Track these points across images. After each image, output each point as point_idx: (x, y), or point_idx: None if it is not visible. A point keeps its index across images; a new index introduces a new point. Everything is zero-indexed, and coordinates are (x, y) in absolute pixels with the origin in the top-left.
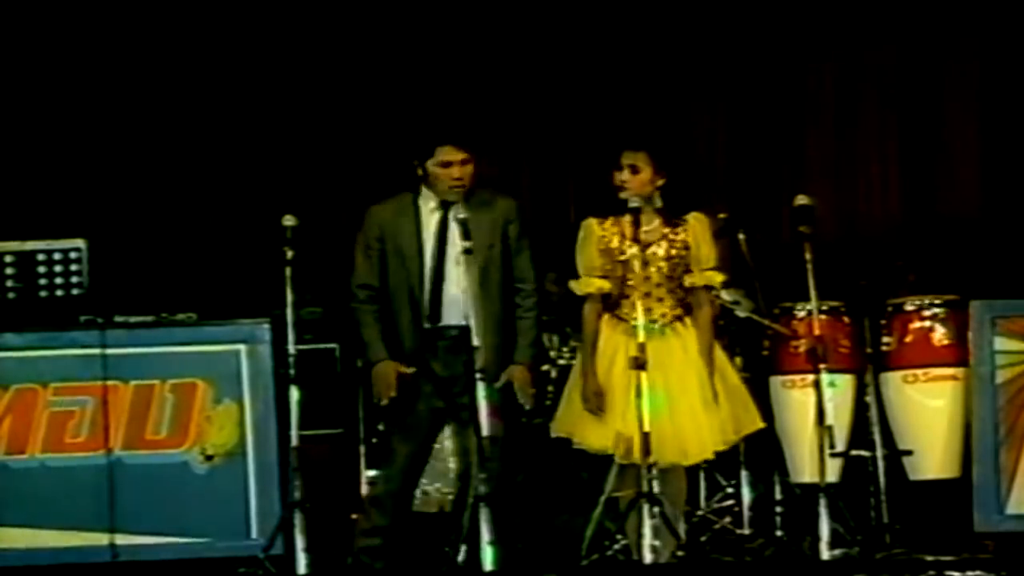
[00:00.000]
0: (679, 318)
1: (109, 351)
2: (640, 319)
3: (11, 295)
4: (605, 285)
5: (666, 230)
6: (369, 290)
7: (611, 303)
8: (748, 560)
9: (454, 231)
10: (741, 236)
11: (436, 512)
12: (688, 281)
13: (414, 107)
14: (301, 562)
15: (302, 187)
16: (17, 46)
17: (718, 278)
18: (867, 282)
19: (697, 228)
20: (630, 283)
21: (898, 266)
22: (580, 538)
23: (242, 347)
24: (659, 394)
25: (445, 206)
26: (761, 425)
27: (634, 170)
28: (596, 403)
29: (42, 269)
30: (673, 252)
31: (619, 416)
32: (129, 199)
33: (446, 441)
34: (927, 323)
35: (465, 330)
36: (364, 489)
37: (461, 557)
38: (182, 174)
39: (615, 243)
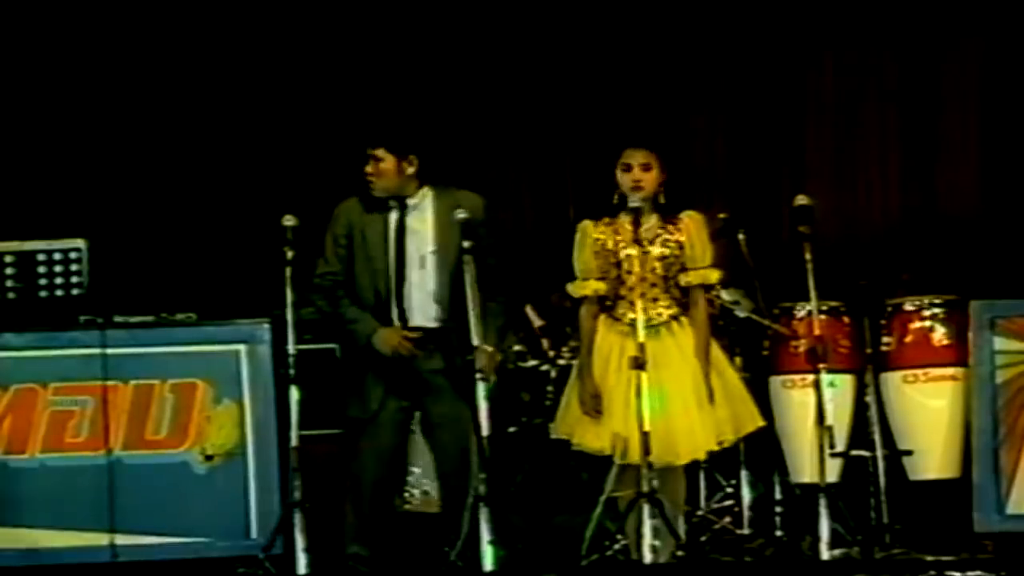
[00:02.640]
0: (675, 317)
1: (109, 351)
2: (640, 319)
3: (11, 295)
4: (601, 287)
5: (661, 229)
6: (335, 277)
7: (607, 304)
8: (748, 560)
9: (414, 232)
10: (741, 236)
11: (436, 512)
12: (684, 280)
13: (414, 107)
14: (301, 562)
15: (302, 187)
16: (17, 46)
17: (714, 276)
18: (867, 282)
19: (691, 227)
20: (627, 283)
21: (904, 280)
22: (580, 538)
23: (242, 347)
24: (654, 394)
25: (402, 206)
26: (761, 423)
27: (646, 168)
28: (593, 405)
29: (42, 269)
30: (667, 251)
31: (616, 417)
32: (129, 199)
33: None
34: (927, 323)
35: (433, 332)
36: None
37: (454, 555)
38: (182, 174)
39: (610, 244)
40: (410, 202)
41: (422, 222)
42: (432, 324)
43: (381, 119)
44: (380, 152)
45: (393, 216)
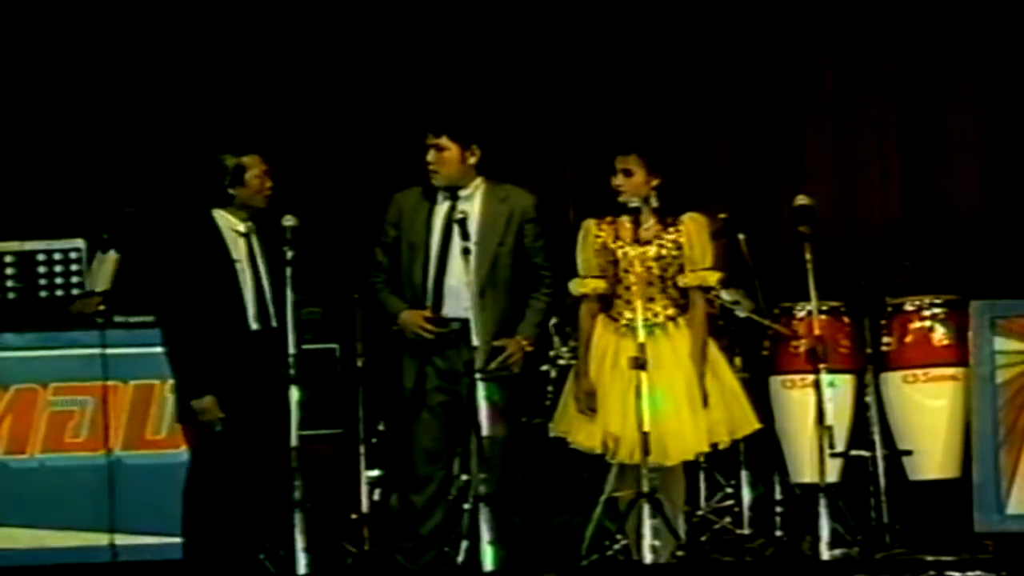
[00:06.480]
0: (672, 319)
1: (109, 351)
2: (639, 319)
3: (11, 295)
4: (600, 285)
5: (659, 230)
6: (378, 269)
7: (605, 303)
8: (748, 560)
9: (460, 223)
10: (741, 236)
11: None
12: (682, 282)
13: (414, 107)
14: (301, 562)
15: (302, 187)
16: (17, 46)
17: (712, 278)
18: (867, 282)
19: (691, 228)
20: (624, 283)
21: (905, 266)
22: (580, 538)
23: None
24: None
25: (454, 197)
26: (758, 426)
27: (627, 174)
28: (586, 403)
29: (42, 269)
30: (663, 252)
31: (609, 416)
32: (128, 199)
33: None
34: (927, 323)
35: (466, 324)
36: (364, 489)
37: (461, 557)
38: (181, 174)
39: (609, 243)
40: (462, 193)
41: (469, 214)
42: (466, 316)
43: (445, 108)
44: (443, 140)
45: (444, 206)
